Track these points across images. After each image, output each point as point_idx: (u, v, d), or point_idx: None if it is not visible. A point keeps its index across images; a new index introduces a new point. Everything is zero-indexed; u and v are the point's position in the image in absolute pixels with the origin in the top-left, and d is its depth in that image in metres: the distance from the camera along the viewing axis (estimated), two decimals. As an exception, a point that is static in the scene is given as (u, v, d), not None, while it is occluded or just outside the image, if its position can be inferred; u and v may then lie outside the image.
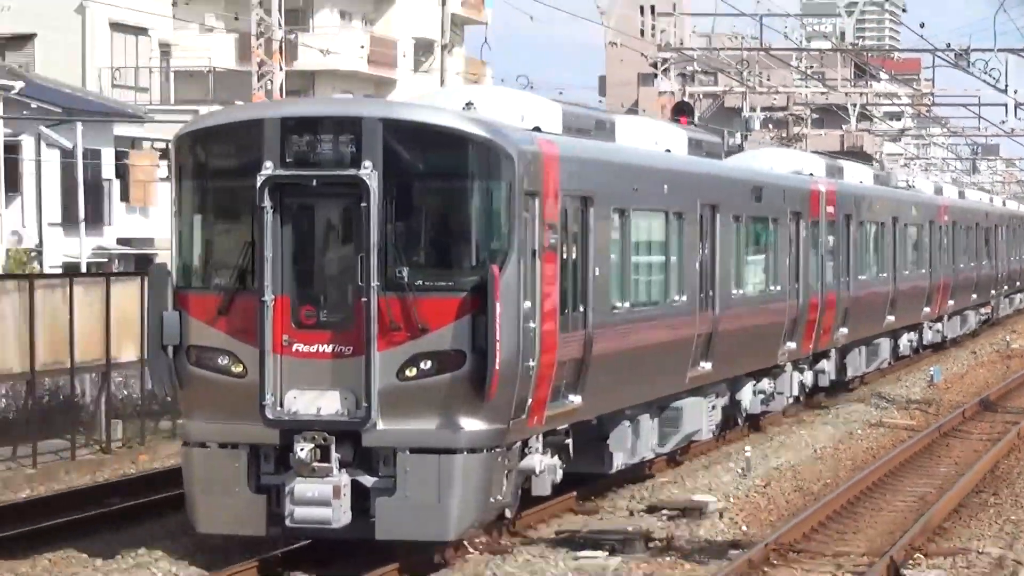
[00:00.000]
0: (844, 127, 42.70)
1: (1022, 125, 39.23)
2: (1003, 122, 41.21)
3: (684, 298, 19.03)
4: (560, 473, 15.60)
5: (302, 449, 11.95)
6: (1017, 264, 54.10)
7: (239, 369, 12.46)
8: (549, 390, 13.89)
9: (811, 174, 28.74)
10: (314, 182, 12.38)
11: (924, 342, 39.74)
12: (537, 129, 14.96)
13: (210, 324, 12.62)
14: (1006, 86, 35.03)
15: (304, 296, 12.63)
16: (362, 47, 56.14)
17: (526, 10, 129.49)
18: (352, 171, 12.17)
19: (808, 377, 28.12)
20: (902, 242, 35.29)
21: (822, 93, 41.39)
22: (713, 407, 21.76)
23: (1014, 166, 60.08)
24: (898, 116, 55.81)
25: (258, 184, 12.14)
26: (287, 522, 12.29)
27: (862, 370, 33.03)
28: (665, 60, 35.69)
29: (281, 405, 12.33)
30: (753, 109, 39.42)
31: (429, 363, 12.23)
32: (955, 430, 29.64)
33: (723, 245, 21.05)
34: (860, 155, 42.07)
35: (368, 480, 12.40)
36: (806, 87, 40.78)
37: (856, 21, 44.29)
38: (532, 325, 13.04)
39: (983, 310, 48.30)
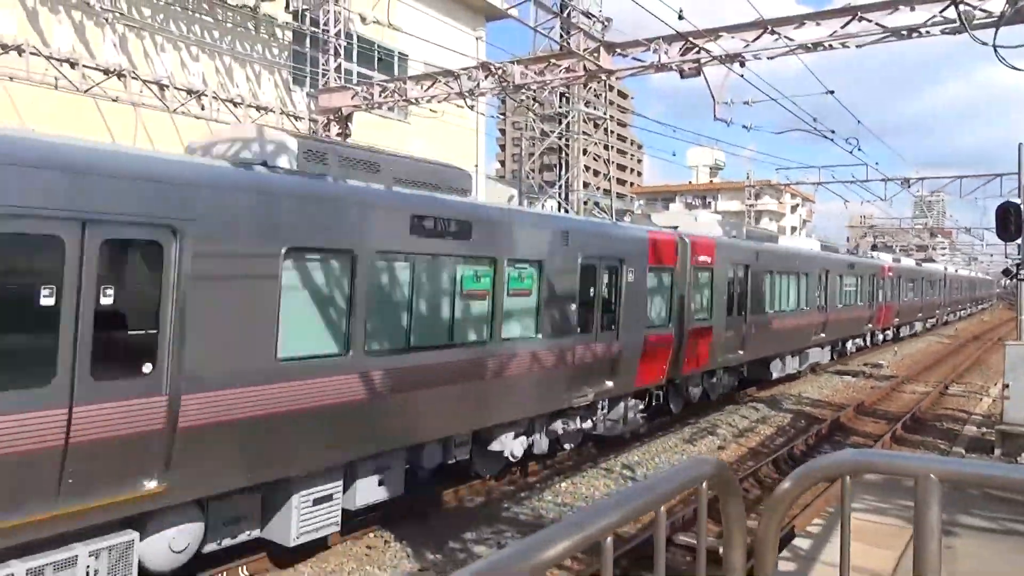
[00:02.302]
0: (926, 251, 76.15)
1: (992, 250, 76.81)
2: (981, 250, 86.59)
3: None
4: None
5: None
6: (957, 297, 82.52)
7: None
8: None
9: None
10: None
11: (874, 342, 47.68)
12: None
13: None
14: (983, 236, 68.90)
15: None
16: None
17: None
18: None
19: (696, 392, 25.55)
20: (834, 286, 36.36)
21: (921, 240, 79.79)
22: (506, 443, 17.00)
23: (983, 263, 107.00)
24: (945, 247, 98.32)
25: None
26: None
27: (789, 370, 32.12)
28: (864, 235, 75.34)
29: None
30: (895, 246, 71.71)
31: None
32: (965, 344, 53.59)
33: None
34: (929, 260, 72.39)
35: None
36: (913, 238, 77.56)
37: (933, 218, 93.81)
38: None
39: (930, 321, 66.06)
